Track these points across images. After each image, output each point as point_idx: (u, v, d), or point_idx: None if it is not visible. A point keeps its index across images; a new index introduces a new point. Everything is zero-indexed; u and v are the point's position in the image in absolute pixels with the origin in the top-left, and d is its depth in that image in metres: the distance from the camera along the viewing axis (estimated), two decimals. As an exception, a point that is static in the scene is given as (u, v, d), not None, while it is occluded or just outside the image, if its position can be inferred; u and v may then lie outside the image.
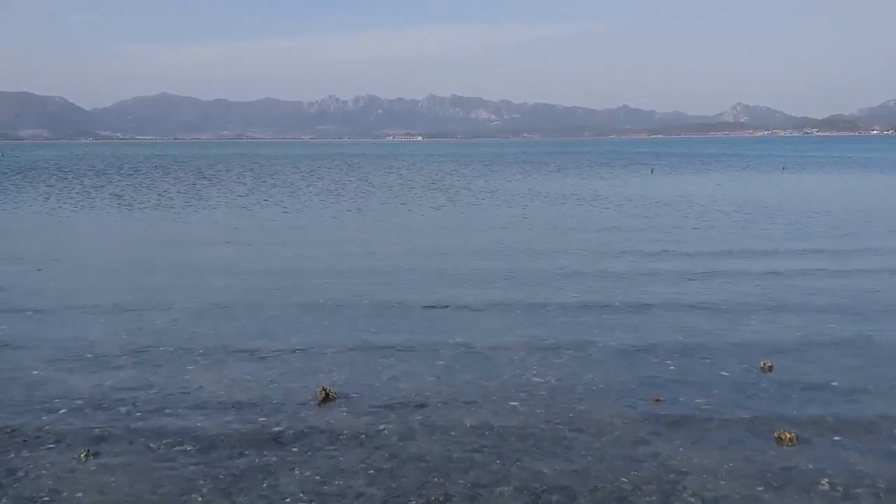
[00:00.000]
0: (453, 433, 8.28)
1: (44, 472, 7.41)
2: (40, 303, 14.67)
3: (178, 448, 7.95)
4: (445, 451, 7.82)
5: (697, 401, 9.22)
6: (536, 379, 10.07)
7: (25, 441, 8.13)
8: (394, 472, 7.33)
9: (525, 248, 21.27)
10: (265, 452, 7.82)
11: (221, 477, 7.26)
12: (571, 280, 16.54)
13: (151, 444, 8.03)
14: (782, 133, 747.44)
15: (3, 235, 25.80)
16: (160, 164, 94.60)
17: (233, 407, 9.13)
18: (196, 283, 16.56)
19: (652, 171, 67.04)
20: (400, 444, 8.01)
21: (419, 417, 8.74)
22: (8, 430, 8.39)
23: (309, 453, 7.80)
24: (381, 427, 8.45)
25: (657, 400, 9.23)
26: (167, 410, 9.03)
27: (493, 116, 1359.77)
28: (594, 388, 9.74)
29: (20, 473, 7.38)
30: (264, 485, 7.11)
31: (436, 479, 7.18)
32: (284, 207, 34.78)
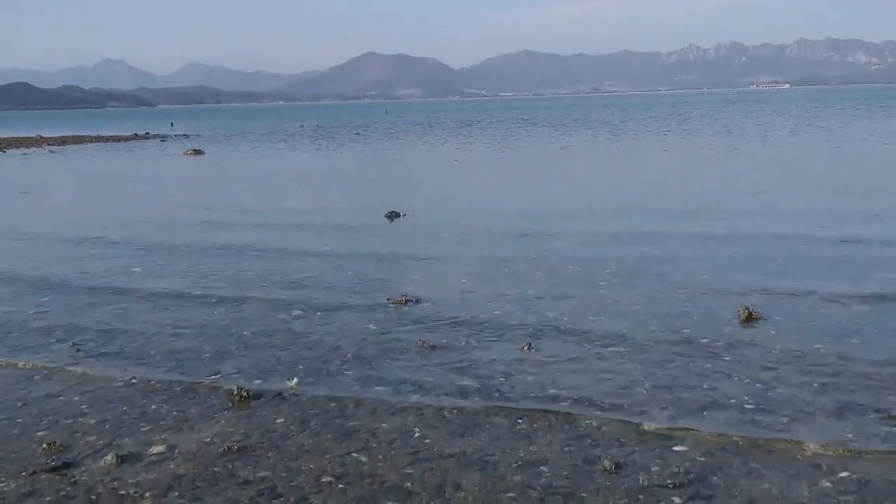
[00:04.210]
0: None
1: (494, 358, 8.18)
2: (455, 227, 16.20)
3: (610, 348, 8.33)
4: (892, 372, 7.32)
5: None
6: None
7: (472, 332, 9.06)
8: (841, 387, 7.01)
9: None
10: (697, 359, 7.90)
11: (659, 376, 7.48)
12: None
13: (584, 344, 8.51)
14: None
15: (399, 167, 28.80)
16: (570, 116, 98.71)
17: (654, 319, 9.35)
18: (586, 212, 17.24)
19: None
20: (841, 362, 7.64)
21: (855, 341, 8.26)
22: (457, 321, 9.43)
23: (742, 363, 7.74)
24: (817, 346, 8.12)
25: None
26: (590, 318, 9.49)
27: (874, 60, 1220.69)
28: None
29: (475, 358, 8.23)
30: (704, 386, 7.19)
31: (890, 398, 6.76)
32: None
